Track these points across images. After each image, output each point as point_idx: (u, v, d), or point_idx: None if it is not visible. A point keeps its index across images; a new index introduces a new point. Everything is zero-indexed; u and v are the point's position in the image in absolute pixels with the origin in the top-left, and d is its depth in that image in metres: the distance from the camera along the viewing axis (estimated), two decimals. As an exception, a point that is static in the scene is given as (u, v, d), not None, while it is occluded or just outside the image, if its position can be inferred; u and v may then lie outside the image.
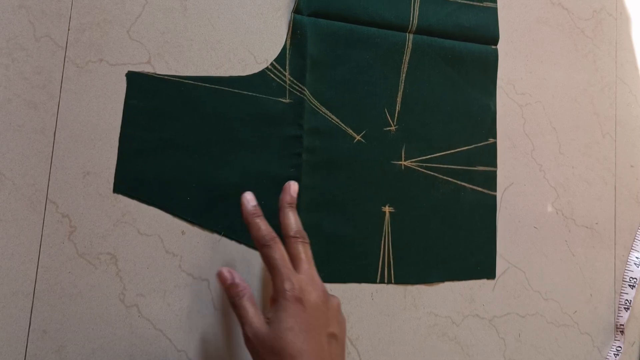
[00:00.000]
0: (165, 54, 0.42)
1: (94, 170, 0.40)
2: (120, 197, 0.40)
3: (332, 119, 0.45)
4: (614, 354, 0.51)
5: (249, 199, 0.38)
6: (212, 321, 0.41)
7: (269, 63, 0.44)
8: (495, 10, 0.51)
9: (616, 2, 0.56)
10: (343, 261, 0.44)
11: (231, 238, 0.42)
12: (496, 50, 0.51)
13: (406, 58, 0.48)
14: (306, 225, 0.43)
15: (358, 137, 0.46)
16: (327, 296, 0.35)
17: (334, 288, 0.43)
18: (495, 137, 0.50)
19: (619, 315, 0.52)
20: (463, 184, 0.48)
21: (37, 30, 0.40)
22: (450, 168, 0.48)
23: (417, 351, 0.45)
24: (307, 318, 0.33)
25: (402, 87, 0.47)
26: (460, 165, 0.48)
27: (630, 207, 0.54)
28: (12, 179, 0.38)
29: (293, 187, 0.39)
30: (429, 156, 0.48)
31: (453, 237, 0.47)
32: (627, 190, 0.54)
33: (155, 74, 0.42)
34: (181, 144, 0.42)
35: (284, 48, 0.45)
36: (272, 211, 0.40)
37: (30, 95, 0.39)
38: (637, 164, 0.55)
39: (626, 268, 0.53)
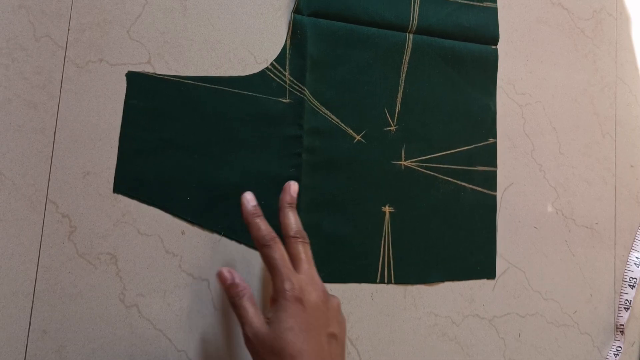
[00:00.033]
0: (165, 54, 0.42)
1: (94, 170, 0.40)
2: (120, 197, 0.40)
3: (332, 119, 0.45)
4: (614, 354, 0.51)
5: (249, 199, 0.38)
6: (212, 321, 0.41)
7: (269, 63, 0.44)
8: (495, 10, 0.51)
9: (616, 2, 0.56)
10: (343, 261, 0.44)
11: (231, 238, 0.42)
12: (496, 50, 0.51)
13: (406, 58, 0.48)
14: (306, 225, 0.43)
15: (358, 137, 0.46)
16: (327, 296, 0.35)
17: (334, 288, 0.43)
18: (495, 137, 0.50)
19: (619, 315, 0.52)
20: (463, 184, 0.48)
21: (37, 30, 0.40)
22: (450, 168, 0.48)
23: (417, 351, 0.45)
24: (307, 318, 0.33)
25: (402, 87, 0.47)
26: (460, 165, 0.48)
27: (630, 207, 0.54)
28: (12, 179, 0.38)
29: (293, 187, 0.39)
30: (429, 156, 0.48)
31: (453, 237, 0.47)
32: (627, 190, 0.54)
33: (155, 74, 0.42)
34: (181, 144, 0.42)
35: (284, 48, 0.45)
36: (272, 211, 0.40)
37: (30, 95, 0.39)
38: (637, 164, 0.55)
39: (626, 268, 0.53)
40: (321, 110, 0.45)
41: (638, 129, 0.56)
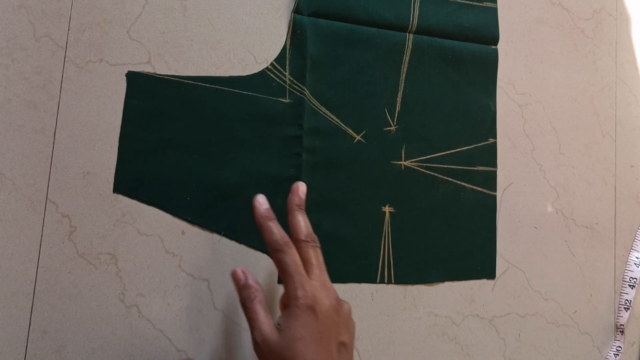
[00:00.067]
0: (165, 54, 0.42)
1: (94, 170, 0.40)
2: (120, 197, 0.40)
3: (332, 119, 0.45)
4: (614, 354, 0.51)
5: (262, 202, 0.36)
6: (212, 321, 0.41)
7: (269, 63, 0.44)
8: (495, 10, 0.51)
9: (616, 2, 0.57)
10: (343, 261, 0.44)
11: (231, 238, 0.42)
12: (496, 50, 0.51)
13: (406, 58, 0.48)
14: (306, 225, 0.43)
15: (358, 137, 0.46)
16: (339, 302, 0.35)
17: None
18: (495, 137, 0.50)
19: (619, 315, 0.52)
20: (463, 184, 0.48)
21: (37, 30, 0.40)
22: (450, 168, 0.48)
23: (417, 351, 0.45)
24: (318, 327, 0.32)
25: (402, 87, 0.47)
26: (460, 165, 0.48)
27: (630, 207, 0.54)
28: (12, 179, 0.38)
29: (301, 188, 0.37)
30: (429, 156, 0.48)
31: (453, 237, 0.47)
32: (627, 190, 0.54)
33: (155, 74, 0.42)
34: (181, 144, 0.42)
35: (284, 48, 0.45)
36: (272, 211, 0.40)
37: (30, 95, 0.39)
38: (637, 164, 0.55)
39: (626, 268, 0.53)
40: (321, 110, 0.45)
41: (638, 129, 0.56)
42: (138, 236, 0.40)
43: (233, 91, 0.43)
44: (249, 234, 0.42)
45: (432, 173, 0.47)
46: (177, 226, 0.41)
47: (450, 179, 0.48)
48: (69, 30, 0.40)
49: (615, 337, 0.52)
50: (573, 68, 0.54)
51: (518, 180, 0.50)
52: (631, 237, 0.54)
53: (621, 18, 0.57)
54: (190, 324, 0.40)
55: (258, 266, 0.42)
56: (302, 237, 0.35)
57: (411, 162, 0.47)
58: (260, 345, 0.32)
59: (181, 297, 0.40)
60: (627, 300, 0.52)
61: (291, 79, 0.44)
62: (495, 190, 0.49)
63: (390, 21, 0.47)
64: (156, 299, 0.40)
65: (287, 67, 0.44)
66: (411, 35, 0.48)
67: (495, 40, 0.51)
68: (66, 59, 0.40)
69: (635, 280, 0.52)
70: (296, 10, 0.45)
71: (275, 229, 0.35)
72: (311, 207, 0.43)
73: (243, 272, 0.35)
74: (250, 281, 0.34)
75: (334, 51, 0.46)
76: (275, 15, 0.45)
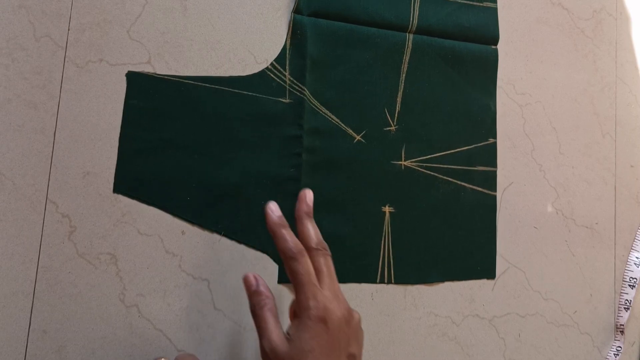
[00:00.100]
0: (165, 54, 0.42)
1: (94, 170, 0.40)
2: (120, 197, 0.40)
3: (332, 119, 0.45)
4: (614, 354, 0.51)
5: (274, 209, 0.35)
6: (212, 321, 0.41)
7: (269, 63, 0.44)
8: (495, 10, 0.51)
9: (616, 2, 0.57)
10: (343, 261, 0.44)
11: (231, 238, 0.42)
12: (496, 50, 0.51)
13: (406, 58, 0.48)
14: (306, 225, 0.43)
15: (358, 137, 0.46)
16: (349, 313, 0.34)
17: (334, 288, 0.43)
18: (495, 137, 0.50)
19: (619, 315, 0.52)
20: (463, 184, 0.48)
21: (37, 30, 0.40)
22: (450, 168, 0.48)
23: (417, 351, 0.45)
24: (329, 339, 0.32)
25: (402, 87, 0.47)
26: (460, 165, 0.48)
27: (630, 207, 0.54)
28: (12, 179, 0.38)
29: (309, 195, 0.37)
30: (429, 156, 0.48)
31: (453, 237, 0.47)
32: (627, 190, 0.54)
33: (155, 74, 0.42)
34: (181, 144, 0.42)
35: (284, 48, 0.45)
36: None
37: (30, 95, 0.39)
38: (637, 164, 0.55)
39: (626, 268, 0.53)
40: (321, 110, 0.45)
41: (638, 129, 0.56)
42: (138, 236, 0.40)
43: (233, 91, 0.43)
44: (249, 234, 0.42)
45: (432, 173, 0.47)
46: (177, 226, 0.41)
47: (450, 179, 0.48)
48: (69, 30, 0.40)
49: (615, 337, 0.52)
50: (573, 68, 0.54)
51: (518, 180, 0.50)
52: (631, 237, 0.54)
53: (621, 18, 0.57)
54: (190, 324, 0.40)
55: (258, 266, 0.42)
56: (313, 244, 0.35)
57: (411, 162, 0.47)
58: (268, 354, 0.32)
59: (181, 297, 0.40)
60: (627, 300, 0.52)
61: (291, 79, 0.44)
62: (495, 190, 0.49)
63: (390, 21, 0.47)
64: (156, 299, 0.40)
65: (287, 67, 0.44)
66: (411, 35, 0.48)
67: (495, 40, 0.51)
68: (66, 59, 0.40)
69: (635, 280, 0.52)
70: (296, 10, 0.45)
71: (289, 237, 0.34)
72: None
73: (255, 277, 0.34)
74: (262, 288, 0.34)
75: (334, 51, 0.46)
76: (275, 15, 0.45)
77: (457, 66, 0.49)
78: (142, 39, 0.42)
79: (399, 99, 0.47)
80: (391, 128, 0.47)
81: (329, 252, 0.35)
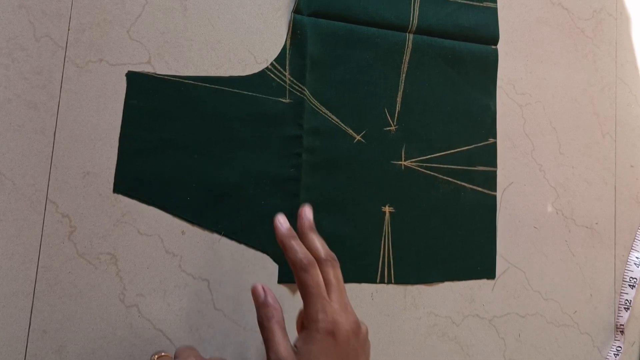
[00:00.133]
0: (165, 54, 0.42)
1: (94, 170, 0.40)
2: (120, 197, 0.40)
3: (332, 119, 0.45)
4: (614, 354, 0.51)
5: (282, 221, 0.35)
6: (212, 321, 0.41)
7: (269, 63, 0.44)
8: (495, 10, 0.51)
9: (616, 2, 0.57)
10: (343, 261, 0.44)
11: (231, 238, 0.42)
12: (496, 50, 0.51)
13: (406, 58, 0.48)
14: (306, 225, 0.43)
15: (358, 137, 0.46)
16: (358, 325, 0.34)
17: (334, 288, 0.43)
18: (495, 137, 0.50)
19: (619, 315, 0.52)
20: (463, 184, 0.48)
21: (37, 30, 0.40)
22: (450, 168, 0.48)
23: (417, 351, 0.45)
24: (337, 353, 0.32)
25: (402, 87, 0.47)
26: (460, 165, 0.48)
27: (630, 207, 0.54)
28: (12, 179, 0.38)
29: (307, 211, 0.37)
30: (429, 156, 0.48)
31: (453, 237, 0.47)
32: (627, 190, 0.54)
33: (155, 74, 0.42)
34: (181, 144, 0.42)
35: (284, 48, 0.45)
36: (272, 211, 0.40)
37: (30, 95, 0.39)
38: (637, 164, 0.55)
39: (626, 268, 0.53)
40: (321, 110, 0.45)
41: (638, 129, 0.56)
42: (138, 236, 0.40)
43: (233, 91, 0.43)
44: (249, 234, 0.42)
45: (432, 173, 0.47)
46: (177, 226, 0.41)
47: (450, 179, 0.48)
48: (69, 30, 0.40)
49: (615, 337, 0.52)
50: (573, 68, 0.54)
51: (518, 180, 0.50)
52: (631, 237, 0.54)
53: (621, 18, 0.57)
54: (190, 324, 0.40)
55: (258, 266, 0.42)
56: (323, 255, 0.35)
57: (411, 162, 0.47)
58: None
59: (181, 297, 0.40)
60: (627, 300, 0.52)
61: (291, 79, 0.44)
62: (495, 190, 0.49)
63: (390, 21, 0.47)
64: (156, 299, 0.40)
65: (287, 67, 0.44)
66: (411, 35, 0.48)
67: (495, 40, 0.51)
68: (66, 59, 0.40)
69: (635, 280, 0.52)
70: (296, 10, 0.45)
71: (299, 248, 0.34)
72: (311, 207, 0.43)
73: (263, 289, 0.34)
74: (270, 299, 0.33)
75: (334, 51, 0.46)
76: (275, 15, 0.45)
77: (457, 66, 0.49)
78: (142, 39, 0.42)
79: (399, 99, 0.47)
80: (391, 128, 0.47)
81: (337, 262, 0.35)
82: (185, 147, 0.42)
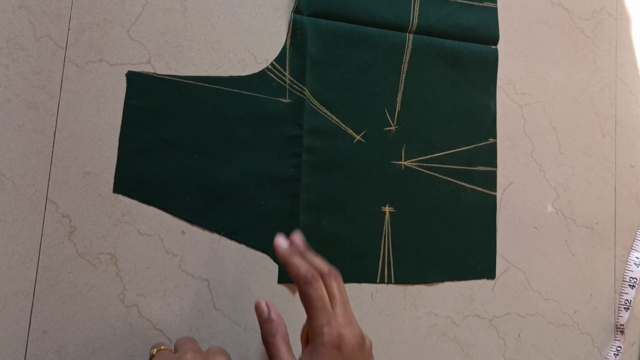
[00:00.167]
0: (165, 54, 0.42)
1: (94, 170, 0.40)
2: (120, 197, 0.40)
3: (332, 119, 0.45)
4: (614, 354, 0.51)
5: (282, 242, 0.36)
6: (212, 321, 0.41)
7: (269, 63, 0.44)
8: (495, 10, 0.51)
9: (616, 2, 0.57)
10: (343, 261, 0.44)
11: (231, 238, 0.42)
12: (496, 50, 0.51)
13: (406, 58, 0.48)
14: (306, 225, 0.43)
15: (358, 137, 0.46)
16: (362, 339, 0.34)
17: (334, 288, 0.43)
18: (495, 137, 0.50)
19: (619, 315, 0.52)
20: (463, 184, 0.48)
21: (37, 30, 0.40)
22: (450, 168, 0.48)
23: (417, 351, 0.45)
24: None
25: (402, 87, 0.47)
26: (460, 165, 0.48)
27: (630, 207, 0.54)
28: (12, 179, 0.38)
29: (298, 236, 0.37)
30: (429, 156, 0.48)
31: (453, 237, 0.47)
32: (627, 190, 0.54)
33: (155, 74, 0.42)
34: (181, 144, 0.42)
35: (284, 48, 0.45)
36: (272, 211, 0.40)
37: (30, 95, 0.39)
38: (637, 164, 0.55)
39: (626, 268, 0.53)
40: (321, 110, 0.45)
41: (638, 129, 0.56)
42: (138, 236, 0.40)
43: (233, 91, 0.43)
44: (249, 234, 0.42)
45: (432, 173, 0.47)
46: (177, 226, 0.41)
47: (450, 179, 0.48)
48: (69, 30, 0.40)
49: (615, 337, 0.52)
50: (573, 68, 0.54)
51: (518, 180, 0.50)
52: (631, 237, 0.54)
53: (621, 18, 0.57)
54: (190, 324, 0.40)
55: (258, 266, 0.42)
56: (325, 270, 0.35)
57: (411, 162, 0.47)
58: None
59: (181, 297, 0.40)
60: (627, 300, 0.52)
61: (291, 79, 0.44)
62: (495, 190, 0.49)
63: (390, 21, 0.47)
64: (156, 299, 0.40)
65: (287, 67, 0.44)
66: (411, 35, 0.48)
67: (495, 40, 0.51)
68: (66, 59, 0.40)
69: (635, 280, 0.52)
70: (296, 10, 0.45)
71: (301, 263, 0.34)
72: (311, 207, 0.43)
73: (267, 305, 0.34)
74: (273, 315, 0.34)
75: (334, 51, 0.46)
76: (275, 15, 0.45)
77: (457, 66, 0.49)
78: (142, 39, 0.42)
79: (399, 99, 0.47)
80: (391, 128, 0.47)
81: (340, 276, 0.35)
82: (185, 147, 0.42)
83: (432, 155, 0.48)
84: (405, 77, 0.48)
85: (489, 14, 0.51)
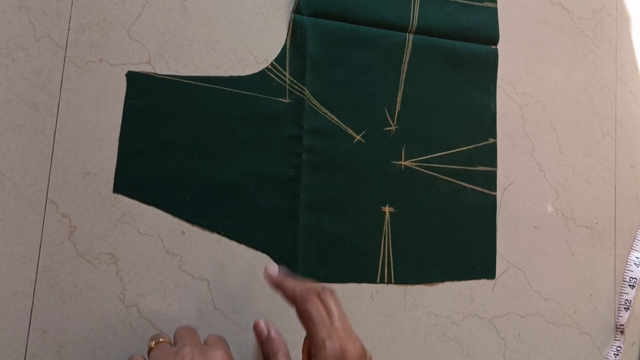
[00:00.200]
0: (165, 54, 0.42)
1: (94, 170, 0.40)
2: (120, 197, 0.40)
3: (332, 119, 0.45)
4: (614, 354, 0.51)
5: (271, 268, 0.36)
6: (212, 321, 0.41)
7: (269, 63, 0.44)
8: (495, 10, 0.51)
9: (616, 2, 0.56)
10: (343, 261, 0.44)
11: (231, 238, 0.42)
12: (496, 50, 0.51)
13: (406, 58, 0.48)
14: (306, 225, 0.43)
15: (358, 137, 0.46)
16: (364, 352, 0.34)
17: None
18: (495, 137, 0.50)
19: (619, 315, 0.52)
20: (463, 184, 0.48)
21: (37, 30, 0.40)
22: (450, 168, 0.48)
23: (417, 351, 0.45)
24: None
25: (402, 87, 0.47)
26: (460, 165, 0.48)
27: (630, 207, 0.54)
28: (12, 179, 0.38)
29: (272, 267, 0.36)
30: (429, 156, 0.48)
31: (453, 237, 0.47)
32: (627, 190, 0.54)
33: (155, 74, 0.42)
34: (181, 144, 0.42)
35: (284, 48, 0.45)
36: (272, 211, 0.40)
37: (30, 95, 0.39)
38: (637, 164, 0.55)
39: (626, 268, 0.53)
40: (321, 110, 0.45)
41: (638, 129, 0.56)
42: (138, 236, 0.40)
43: (233, 91, 0.43)
44: (249, 234, 0.42)
45: (432, 173, 0.47)
46: (177, 226, 0.41)
47: (450, 179, 0.48)
48: (69, 30, 0.40)
49: (615, 337, 0.52)
50: (573, 68, 0.54)
51: (518, 180, 0.50)
52: (631, 237, 0.54)
53: (621, 18, 0.57)
54: (190, 324, 0.40)
55: (257, 266, 0.42)
56: (319, 287, 0.35)
57: (411, 162, 0.47)
58: None
59: (181, 297, 0.40)
60: (627, 300, 0.52)
61: (291, 79, 0.44)
62: (495, 190, 0.49)
63: (390, 21, 0.47)
64: (156, 299, 0.40)
65: (287, 67, 0.44)
66: (411, 35, 0.48)
67: (495, 40, 0.51)
68: (66, 59, 0.40)
69: (635, 280, 0.52)
70: (296, 10, 0.45)
71: (295, 284, 0.34)
72: (311, 207, 0.43)
73: (266, 324, 0.35)
74: (273, 334, 0.34)
75: (334, 51, 0.46)
76: (275, 15, 0.45)
77: (457, 66, 0.49)
78: (142, 39, 0.42)
79: (399, 99, 0.47)
80: (391, 128, 0.47)
81: (334, 291, 0.35)
82: (185, 147, 0.42)
83: (432, 155, 0.48)
84: (405, 77, 0.48)
85: (489, 14, 0.51)
